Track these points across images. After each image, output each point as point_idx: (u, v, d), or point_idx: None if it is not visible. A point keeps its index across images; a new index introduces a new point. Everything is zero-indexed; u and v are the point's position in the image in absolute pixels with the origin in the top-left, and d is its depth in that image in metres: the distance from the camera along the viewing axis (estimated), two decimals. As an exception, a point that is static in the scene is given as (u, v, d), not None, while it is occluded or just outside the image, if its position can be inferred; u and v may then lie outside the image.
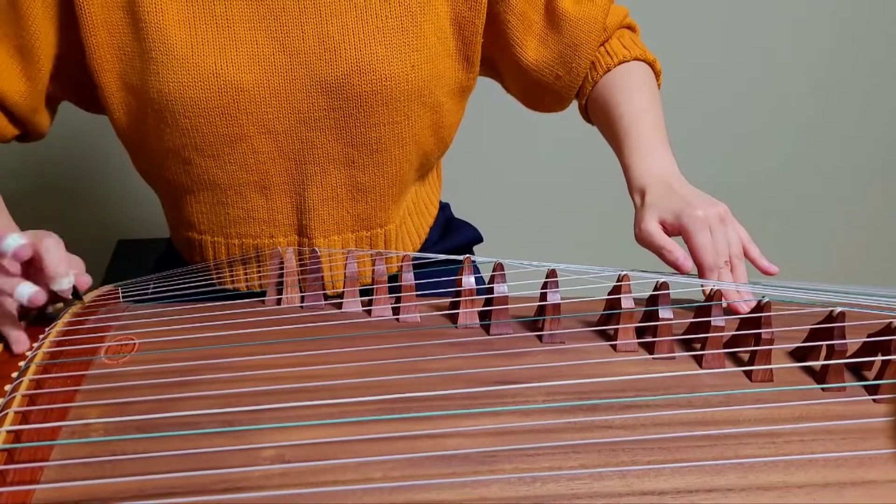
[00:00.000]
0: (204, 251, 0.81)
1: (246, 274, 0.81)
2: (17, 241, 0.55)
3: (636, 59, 0.84)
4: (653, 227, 0.71)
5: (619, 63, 0.83)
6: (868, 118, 1.62)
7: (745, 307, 0.67)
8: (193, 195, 0.78)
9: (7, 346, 0.59)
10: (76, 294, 0.61)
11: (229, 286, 0.82)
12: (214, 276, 0.82)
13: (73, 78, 0.75)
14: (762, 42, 1.53)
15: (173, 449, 0.49)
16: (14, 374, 0.54)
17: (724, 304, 0.63)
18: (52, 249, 0.58)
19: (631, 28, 0.88)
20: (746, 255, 0.72)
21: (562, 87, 0.84)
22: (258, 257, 0.80)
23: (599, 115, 0.84)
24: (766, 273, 0.73)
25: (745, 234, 0.72)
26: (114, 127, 0.77)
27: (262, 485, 0.48)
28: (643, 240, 0.72)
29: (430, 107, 0.77)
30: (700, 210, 0.70)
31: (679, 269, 0.69)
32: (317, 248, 0.71)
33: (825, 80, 1.58)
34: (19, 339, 0.58)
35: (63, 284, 0.58)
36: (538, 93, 0.86)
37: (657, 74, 0.86)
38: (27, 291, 0.55)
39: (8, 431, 0.48)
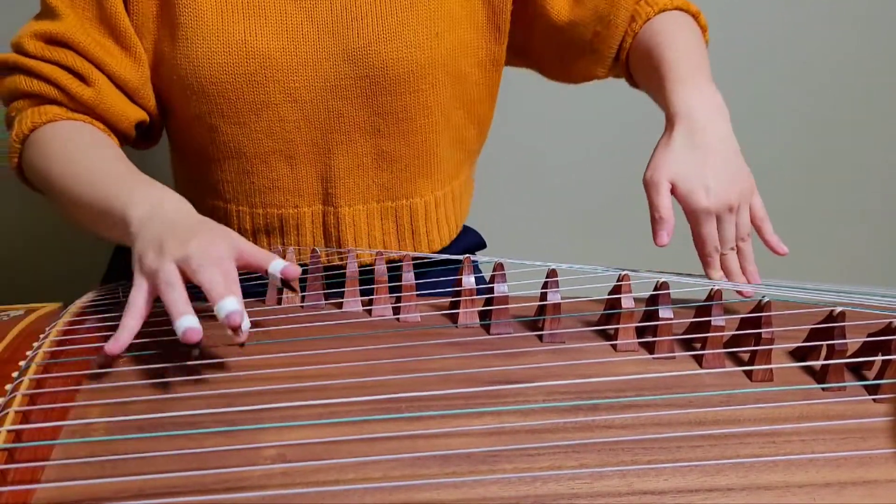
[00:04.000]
0: (229, 220, 0.82)
1: (270, 245, 0.81)
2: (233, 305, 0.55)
3: (678, 8, 0.81)
4: (663, 187, 0.68)
5: (660, 12, 0.80)
6: (869, 117, 1.62)
7: (748, 290, 0.68)
8: (219, 163, 0.78)
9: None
10: (286, 284, 0.62)
11: None
12: None
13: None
14: (763, 40, 1.53)
15: (174, 448, 0.49)
16: (14, 374, 0.55)
17: (726, 293, 0.63)
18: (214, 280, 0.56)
19: None
20: (759, 232, 0.72)
21: (601, 45, 0.81)
22: (282, 228, 0.80)
23: (641, 63, 0.80)
24: (776, 252, 0.72)
25: (759, 208, 0.71)
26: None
27: (262, 484, 0.48)
28: (648, 188, 0.69)
29: (454, 76, 0.78)
30: (711, 199, 0.67)
31: (655, 238, 0.68)
32: (317, 249, 0.71)
33: (826, 78, 1.57)
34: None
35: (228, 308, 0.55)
36: (576, 54, 0.83)
37: (703, 29, 0.82)
38: (188, 324, 0.54)
39: (8, 431, 0.48)
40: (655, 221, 0.69)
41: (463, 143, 0.84)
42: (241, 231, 0.82)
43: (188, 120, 0.76)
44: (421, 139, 0.79)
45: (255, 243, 0.81)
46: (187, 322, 0.53)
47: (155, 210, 0.61)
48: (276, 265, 0.60)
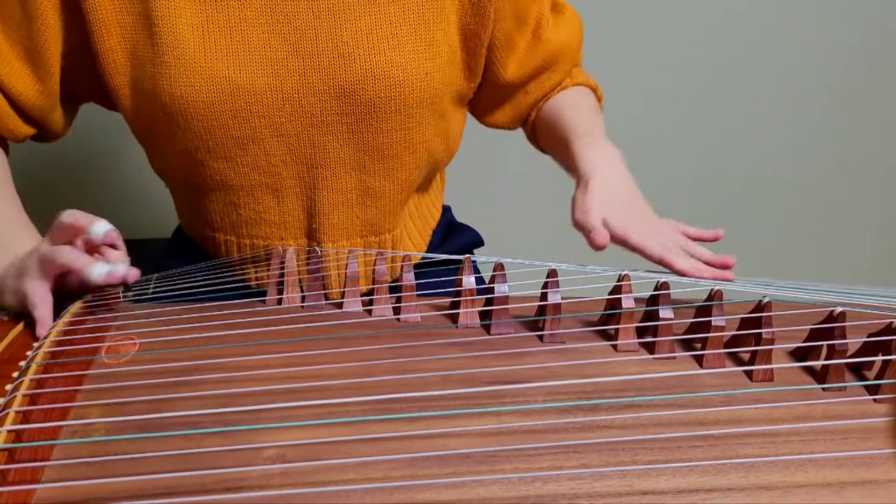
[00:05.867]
0: (217, 248, 0.82)
1: (256, 273, 0.81)
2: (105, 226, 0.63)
3: (576, 84, 0.90)
4: (593, 215, 0.73)
5: (561, 90, 0.89)
6: (869, 118, 1.62)
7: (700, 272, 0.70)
8: (206, 195, 0.78)
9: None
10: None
11: (240, 282, 0.82)
12: (227, 272, 0.83)
13: (86, 78, 0.76)
14: (764, 41, 1.53)
15: (174, 448, 0.49)
16: (15, 374, 0.55)
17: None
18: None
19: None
20: (686, 234, 0.75)
21: (524, 102, 0.88)
22: (268, 258, 0.80)
23: (545, 129, 0.88)
24: (714, 239, 0.76)
25: (675, 223, 0.76)
26: (129, 127, 0.78)
27: (262, 484, 0.48)
28: (582, 225, 0.74)
29: (439, 114, 0.78)
30: (635, 236, 0.72)
31: (594, 243, 0.72)
32: (317, 249, 0.71)
33: (826, 80, 1.58)
34: (46, 321, 0.62)
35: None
36: (499, 104, 0.89)
37: (599, 98, 0.91)
38: (104, 268, 0.62)
39: (9, 431, 0.48)
40: (592, 239, 0.72)
41: (434, 170, 0.86)
42: (229, 260, 0.82)
43: (174, 155, 0.76)
44: (405, 175, 0.79)
45: (243, 272, 0.83)
46: (100, 268, 0.61)
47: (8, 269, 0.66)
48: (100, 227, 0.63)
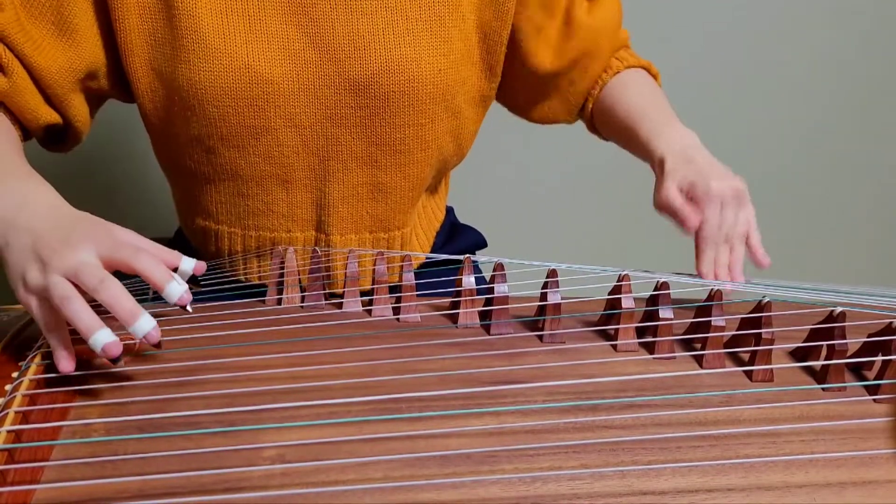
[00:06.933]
0: (219, 241, 0.82)
1: (259, 268, 0.81)
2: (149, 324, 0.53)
3: (629, 67, 0.88)
4: (673, 192, 0.73)
5: (626, 69, 0.87)
6: (869, 118, 1.62)
7: (729, 286, 0.69)
8: (214, 185, 0.78)
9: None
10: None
11: (242, 278, 0.82)
12: (228, 268, 0.82)
13: (111, 65, 0.75)
14: (764, 40, 1.53)
15: (174, 449, 0.49)
16: (14, 374, 0.55)
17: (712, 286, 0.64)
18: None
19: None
20: (747, 239, 0.74)
21: (572, 92, 0.87)
22: (273, 252, 0.80)
23: (608, 117, 0.86)
24: (758, 265, 0.75)
25: (752, 217, 0.74)
26: (140, 111, 0.78)
27: (262, 485, 0.48)
28: (662, 203, 0.74)
29: (452, 112, 0.78)
30: (714, 182, 0.72)
31: (685, 226, 0.71)
32: (317, 248, 0.71)
33: (826, 80, 1.58)
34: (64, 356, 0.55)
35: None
36: (545, 98, 0.88)
37: (655, 76, 0.89)
38: (104, 339, 0.52)
39: (8, 431, 0.48)
40: (679, 219, 0.72)
41: (443, 170, 0.85)
42: (231, 253, 0.82)
43: (185, 141, 0.76)
44: (416, 171, 0.79)
45: (246, 266, 0.81)
46: (103, 337, 0.51)
47: (21, 210, 0.57)
48: (188, 263, 0.60)
